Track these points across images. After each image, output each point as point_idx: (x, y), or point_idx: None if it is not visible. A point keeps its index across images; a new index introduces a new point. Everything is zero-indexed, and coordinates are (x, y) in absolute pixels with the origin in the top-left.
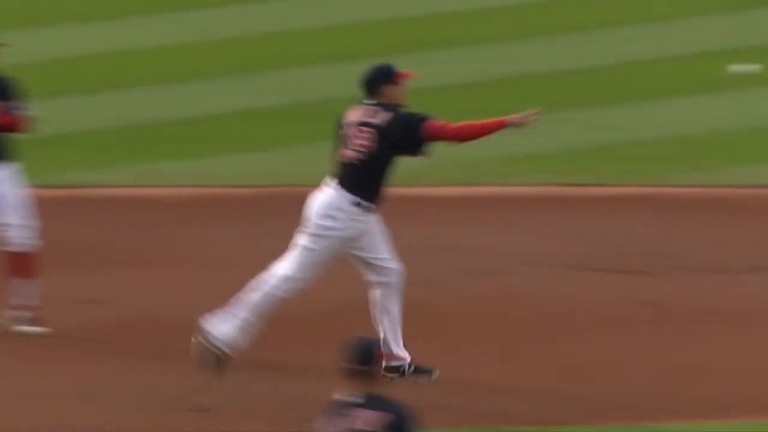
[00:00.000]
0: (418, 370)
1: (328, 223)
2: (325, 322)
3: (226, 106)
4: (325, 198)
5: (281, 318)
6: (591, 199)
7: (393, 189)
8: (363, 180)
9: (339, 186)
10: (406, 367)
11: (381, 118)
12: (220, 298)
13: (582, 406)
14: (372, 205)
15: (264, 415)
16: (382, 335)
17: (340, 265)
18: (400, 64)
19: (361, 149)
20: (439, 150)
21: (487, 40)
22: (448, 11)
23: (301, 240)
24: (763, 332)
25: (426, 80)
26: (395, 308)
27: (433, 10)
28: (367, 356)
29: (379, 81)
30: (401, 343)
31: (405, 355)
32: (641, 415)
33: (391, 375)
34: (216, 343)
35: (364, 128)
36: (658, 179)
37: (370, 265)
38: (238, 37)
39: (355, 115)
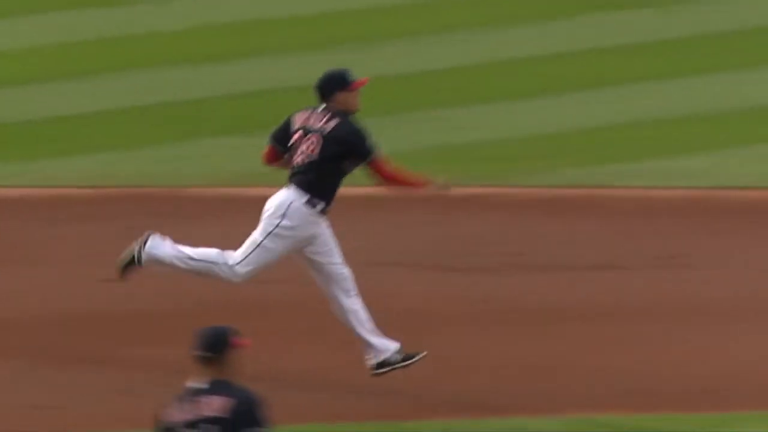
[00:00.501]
0: (407, 357)
1: (282, 221)
2: (180, 318)
3: (71, 107)
4: (280, 197)
5: (135, 314)
6: (435, 199)
7: (239, 190)
8: (313, 182)
9: (292, 186)
10: (395, 357)
11: (330, 126)
12: (69, 297)
13: (423, 401)
14: (324, 206)
15: (111, 412)
16: (358, 336)
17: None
18: (257, 66)
19: (309, 154)
20: None
21: (333, 43)
22: (307, 14)
23: (256, 236)
24: (603, 329)
25: (282, 81)
26: (356, 306)
27: (294, 13)
28: (215, 343)
29: (333, 87)
30: (381, 336)
31: (389, 346)
32: (480, 410)
33: (384, 369)
34: (141, 250)
35: (312, 134)
36: (500, 179)
37: (323, 270)
38: (89, 40)
39: (305, 119)
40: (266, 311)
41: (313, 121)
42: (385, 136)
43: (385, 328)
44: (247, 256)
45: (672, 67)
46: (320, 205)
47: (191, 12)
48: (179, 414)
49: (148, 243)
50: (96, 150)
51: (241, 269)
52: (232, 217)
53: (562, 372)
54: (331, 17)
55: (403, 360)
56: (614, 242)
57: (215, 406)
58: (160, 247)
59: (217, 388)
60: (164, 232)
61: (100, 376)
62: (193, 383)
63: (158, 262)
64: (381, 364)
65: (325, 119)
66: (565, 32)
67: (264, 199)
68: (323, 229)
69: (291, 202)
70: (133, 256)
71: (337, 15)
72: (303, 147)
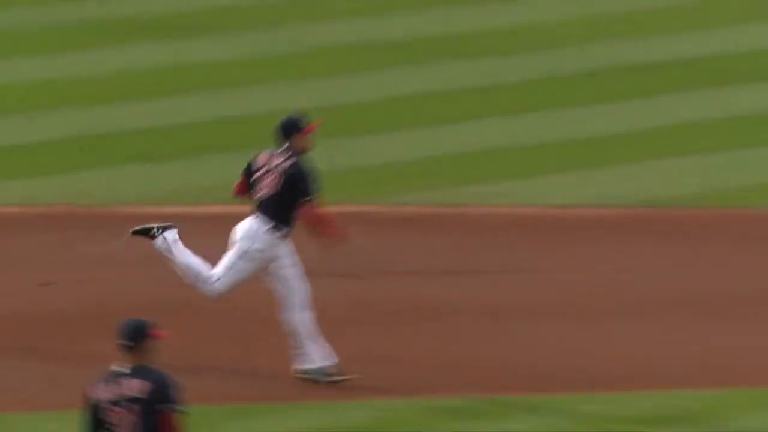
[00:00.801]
0: (337, 374)
1: (253, 245)
2: (108, 317)
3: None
4: (248, 225)
5: (70, 314)
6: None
7: (144, 208)
8: (276, 211)
9: (259, 215)
10: (323, 372)
11: (286, 165)
12: (11, 298)
13: (310, 386)
14: (286, 231)
15: (44, 397)
16: (301, 343)
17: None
18: (157, 107)
19: (269, 189)
20: (193, 175)
21: (225, 85)
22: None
23: (231, 259)
24: (454, 323)
25: (183, 119)
26: (309, 316)
27: (208, 57)
28: (134, 334)
29: (290, 130)
30: (324, 347)
31: (326, 360)
32: (360, 393)
33: (310, 377)
34: (160, 230)
35: (271, 171)
36: (370, 200)
37: (286, 284)
38: (19, 83)
39: (267, 159)
40: (184, 310)
41: (273, 160)
42: None
43: (271, 323)
44: (223, 276)
45: (512, 107)
46: (283, 230)
47: (92, 62)
48: (104, 393)
49: (166, 234)
50: (26, 176)
51: (219, 287)
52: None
53: (428, 361)
54: (224, 64)
55: (333, 375)
56: (466, 251)
57: (135, 387)
58: (171, 245)
59: (137, 372)
60: (83, 244)
61: (37, 366)
62: (116, 367)
63: (164, 245)
64: (312, 372)
65: (283, 159)
66: (421, 77)
67: (160, 216)
68: (286, 249)
69: (258, 229)
70: (148, 230)
71: (230, 62)
72: (265, 182)
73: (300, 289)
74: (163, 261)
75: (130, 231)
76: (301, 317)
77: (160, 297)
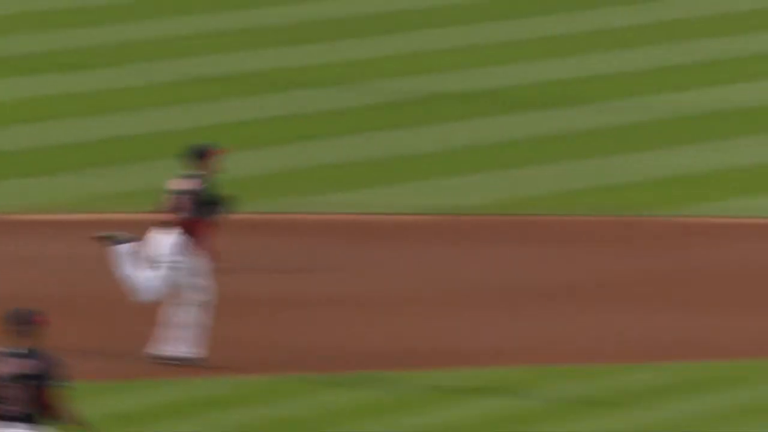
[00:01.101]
0: (192, 360)
1: (175, 258)
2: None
3: None
4: (171, 240)
5: None
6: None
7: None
8: (192, 227)
9: (178, 231)
10: (184, 358)
11: (196, 187)
12: None
13: (173, 366)
14: (203, 243)
15: None
16: (177, 335)
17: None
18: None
19: (186, 208)
20: (73, 185)
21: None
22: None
23: (158, 271)
24: (303, 312)
25: (65, 141)
26: (200, 319)
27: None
28: (23, 320)
29: (199, 155)
30: (194, 343)
31: (197, 356)
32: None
33: (173, 361)
34: (118, 242)
35: (186, 193)
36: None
37: (190, 288)
38: None
39: (180, 183)
40: (65, 302)
41: (185, 184)
42: (155, 174)
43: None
44: (152, 285)
45: (355, 126)
46: (200, 243)
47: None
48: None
49: (124, 245)
50: None
51: (151, 294)
52: (33, 234)
53: (280, 344)
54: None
55: (187, 360)
56: (309, 251)
57: (23, 365)
58: (122, 254)
59: (27, 352)
60: None
61: None
62: (9, 348)
63: (114, 259)
64: (177, 359)
65: (193, 182)
66: (267, 105)
67: (37, 223)
68: (203, 260)
69: (179, 243)
70: (111, 238)
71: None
72: (182, 203)
73: (205, 294)
74: (111, 265)
75: (95, 235)
76: (195, 316)
77: (48, 292)
